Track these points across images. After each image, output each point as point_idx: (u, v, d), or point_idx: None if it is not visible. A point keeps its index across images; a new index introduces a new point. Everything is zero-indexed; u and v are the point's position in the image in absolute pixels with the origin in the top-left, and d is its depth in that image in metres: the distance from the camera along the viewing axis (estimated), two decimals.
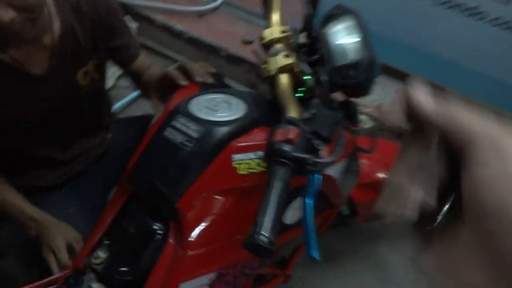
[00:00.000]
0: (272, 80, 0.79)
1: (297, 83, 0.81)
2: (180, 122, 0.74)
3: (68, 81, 1.00)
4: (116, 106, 2.13)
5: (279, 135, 0.62)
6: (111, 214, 0.81)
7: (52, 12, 0.91)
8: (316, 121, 0.67)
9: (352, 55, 0.76)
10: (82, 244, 0.94)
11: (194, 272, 0.73)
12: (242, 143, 0.72)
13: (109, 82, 2.16)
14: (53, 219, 1.02)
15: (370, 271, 1.70)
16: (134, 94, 2.19)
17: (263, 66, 0.81)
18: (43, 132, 1.08)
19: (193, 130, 0.72)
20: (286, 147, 0.60)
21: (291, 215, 0.83)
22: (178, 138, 0.72)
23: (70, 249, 0.97)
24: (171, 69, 0.94)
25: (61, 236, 0.98)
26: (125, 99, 2.18)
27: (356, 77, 0.76)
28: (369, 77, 0.77)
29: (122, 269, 0.76)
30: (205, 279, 0.75)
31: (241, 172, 0.71)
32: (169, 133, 0.74)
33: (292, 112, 0.68)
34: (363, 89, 0.79)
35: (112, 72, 2.10)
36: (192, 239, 0.71)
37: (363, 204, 1.35)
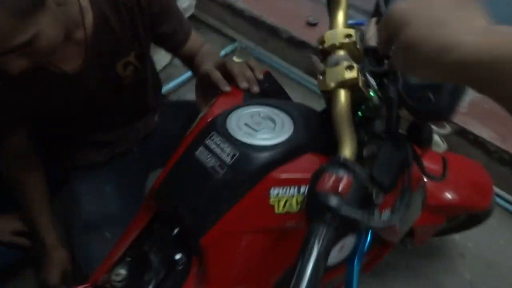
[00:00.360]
0: (329, 95, 0.65)
1: (358, 98, 0.66)
2: (215, 142, 0.63)
3: (107, 74, 0.94)
4: (170, 85, 2.08)
5: (326, 182, 0.49)
6: (136, 229, 0.73)
7: (85, 5, 0.83)
8: (377, 163, 0.53)
9: None
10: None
11: None
12: (284, 174, 0.60)
13: (164, 60, 2.10)
14: (58, 245, 1.09)
15: None
16: (189, 73, 2.12)
17: (319, 77, 0.67)
18: (86, 120, 1.05)
19: (227, 154, 0.61)
20: (334, 201, 0.47)
21: (336, 256, 0.70)
22: (210, 161, 0.62)
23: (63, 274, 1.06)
24: (214, 68, 0.82)
25: (57, 268, 1.07)
26: (179, 78, 2.12)
27: (436, 102, 0.60)
28: (453, 103, 0.61)
29: None
30: None
31: (278, 211, 0.59)
32: (201, 153, 0.63)
33: (347, 148, 0.54)
34: (442, 117, 0.63)
35: None
36: (216, 280, 0.61)
37: (423, 227, 1.18)
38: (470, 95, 1.84)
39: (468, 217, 1.32)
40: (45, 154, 1.08)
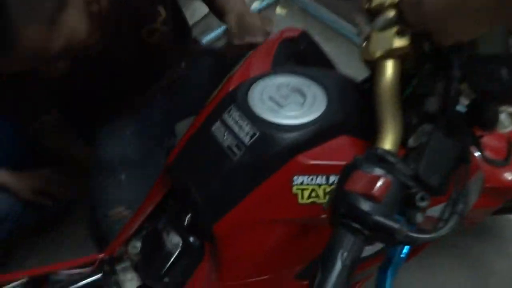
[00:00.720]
0: (372, 66, 0.54)
1: (408, 71, 0.54)
2: (233, 117, 0.54)
3: (131, 43, 0.89)
4: (207, 37, 1.98)
5: (359, 181, 0.39)
6: (151, 204, 0.69)
7: None
8: (426, 158, 0.43)
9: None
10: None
11: None
12: (311, 160, 0.51)
13: (201, 10, 1.99)
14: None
15: (467, 272, 1.43)
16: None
17: (363, 43, 0.55)
18: (112, 89, 1.00)
19: (246, 132, 0.52)
20: (366, 206, 0.38)
21: (367, 249, 0.62)
22: (226, 139, 0.54)
23: None
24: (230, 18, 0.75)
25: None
26: (217, 30, 2.01)
27: (509, 80, 0.47)
28: None
29: (154, 274, 0.65)
30: None
31: (302, 201, 0.51)
32: (217, 129, 0.55)
33: (389, 136, 0.44)
34: None
35: None
36: (229, 270, 0.55)
37: (477, 211, 1.06)
38: None
39: None
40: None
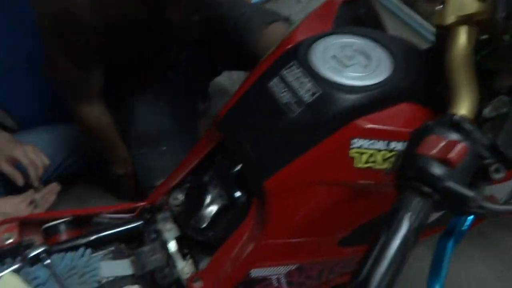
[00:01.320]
0: (444, 33, 0.51)
1: (484, 41, 0.51)
2: (293, 74, 0.53)
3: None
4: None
5: (433, 145, 0.38)
6: (197, 157, 0.69)
7: None
8: (505, 128, 0.41)
9: None
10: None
11: (270, 261, 0.59)
12: (372, 123, 0.49)
13: None
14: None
15: (489, 261, 1.40)
16: None
17: (437, 7, 0.52)
18: (146, 53, 1.01)
19: (307, 90, 0.51)
20: (440, 170, 0.36)
21: None
22: (285, 96, 0.53)
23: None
24: None
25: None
26: None
27: None
28: None
29: (195, 226, 0.66)
30: (283, 269, 0.61)
31: (359, 165, 0.50)
32: (275, 84, 0.54)
33: (465, 104, 0.42)
34: None
35: None
36: (274, 228, 0.55)
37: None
38: None
39: None
40: None
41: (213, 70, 1.27)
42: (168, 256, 0.68)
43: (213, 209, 0.64)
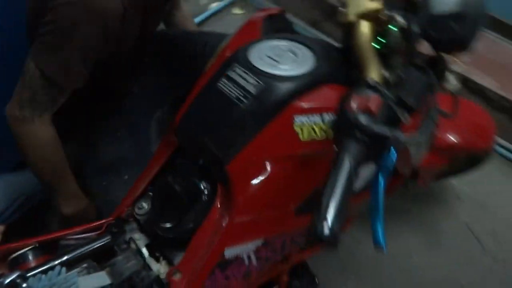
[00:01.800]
0: (349, 28, 0.65)
1: (378, 32, 0.66)
2: (237, 73, 0.63)
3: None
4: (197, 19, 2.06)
5: (357, 102, 0.50)
6: (157, 164, 0.75)
7: None
8: (402, 86, 0.54)
9: (457, 2, 0.60)
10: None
11: (240, 238, 0.67)
12: (307, 103, 0.61)
13: None
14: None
15: (417, 233, 1.60)
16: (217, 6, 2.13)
17: (340, 9, 0.66)
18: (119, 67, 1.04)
19: (251, 84, 0.62)
20: (365, 119, 0.49)
21: (357, 183, 0.73)
22: (233, 92, 0.62)
23: None
24: None
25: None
26: (206, 13, 2.10)
27: (458, 31, 0.61)
28: (474, 31, 0.61)
29: (165, 225, 0.71)
30: (251, 245, 0.69)
31: (303, 138, 0.61)
32: (223, 84, 0.64)
33: (373, 72, 0.56)
34: (462, 46, 0.64)
35: None
36: (241, 206, 0.64)
37: (427, 168, 1.22)
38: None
39: (469, 159, 1.36)
40: None
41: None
42: (143, 261, 0.72)
43: (180, 205, 0.70)
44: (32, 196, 1.18)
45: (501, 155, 1.83)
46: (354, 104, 0.50)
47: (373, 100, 0.49)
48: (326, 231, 0.44)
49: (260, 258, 0.71)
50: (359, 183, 0.74)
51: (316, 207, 0.46)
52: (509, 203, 1.71)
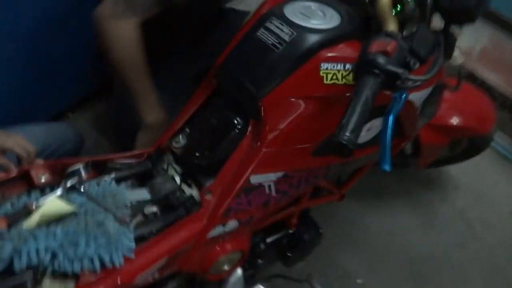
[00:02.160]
0: None
1: (396, 1, 0.78)
2: (274, 24, 0.75)
3: None
4: None
5: (376, 46, 0.62)
6: (195, 104, 0.87)
7: None
8: (415, 39, 0.66)
9: None
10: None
11: (265, 168, 0.79)
12: (332, 53, 0.73)
13: None
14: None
15: (414, 214, 1.72)
16: None
17: None
18: None
19: (286, 33, 0.73)
20: (381, 59, 0.60)
21: (365, 135, 0.85)
22: (270, 39, 0.74)
23: None
24: None
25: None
26: None
27: (466, 2, 0.72)
28: (481, 3, 0.73)
29: (199, 154, 0.83)
30: (273, 176, 0.81)
31: (326, 82, 0.73)
32: (261, 33, 0.76)
33: (391, 26, 0.67)
34: (470, 17, 0.75)
35: None
36: (269, 138, 0.75)
37: (429, 145, 1.33)
38: (481, 43, 1.96)
39: (469, 144, 1.47)
40: None
41: None
42: (178, 185, 0.84)
43: (214, 137, 0.82)
44: (63, 145, 1.29)
45: (499, 151, 1.94)
46: (373, 47, 0.61)
47: (390, 44, 0.61)
48: (345, 137, 0.56)
49: (279, 190, 0.83)
50: (367, 136, 0.86)
51: (339, 122, 0.58)
52: (502, 196, 1.82)
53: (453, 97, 1.27)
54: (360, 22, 0.80)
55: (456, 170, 1.83)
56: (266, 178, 0.80)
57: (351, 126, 0.57)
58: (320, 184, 1.01)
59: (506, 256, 1.65)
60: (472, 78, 1.85)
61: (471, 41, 1.89)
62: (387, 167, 0.64)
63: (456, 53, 1.17)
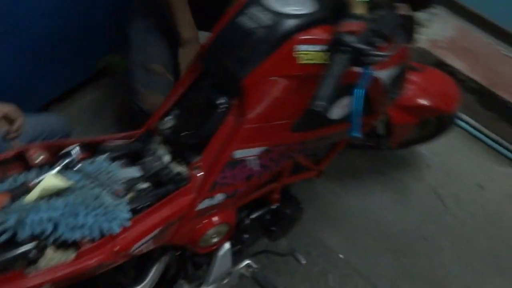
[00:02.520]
0: None
1: None
2: (255, 10, 0.82)
3: None
4: None
5: (345, 27, 0.69)
6: (183, 87, 0.93)
7: None
8: (381, 22, 0.74)
9: None
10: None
11: (248, 143, 0.85)
12: (306, 36, 0.80)
13: None
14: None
15: (388, 192, 1.83)
16: None
17: None
18: None
19: (264, 19, 0.80)
20: (350, 37, 0.68)
21: (337, 112, 0.92)
22: (250, 24, 0.81)
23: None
24: None
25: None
26: None
27: None
28: None
29: (187, 133, 0.89)
30: (256, 151, 0.87)
31: (302, 62, 0.80)
32: (242, 19, 0.82)
33: (358, 9, 0.75)
34: (426, 4, 0.83)
35: None
36: (251, 115, 0.82)
37: (400, 125, 1.43)
38: (450, 33, 2.08)
39: (437, 122, 1.57)
40: None
41: None
42: (166, 163, 0.90)
43: (200, 116, 0.88)
44: (53, 134, 1.34)
45: (466, 130, 2.06)
46: (342, 28, 0.69)
47: (356, 25, 0.68)
48: (320, 102, 0.64)
49: (261, 164, 0.90)
50: (341, 113, 0.94)
51: (315, 91, 0.65)
52: (471, 172, 1.94)
53: (420, 79, 1.36)
54: (333, 7, 0.87)
55: (427, 150, 1.94)
56: (250, 153, 0.87)
57: (322, 94, 0.64)
58: (299, 161, 1.09)
59: (475, 227, 1.77)
60: (441, 65, 1.97)
61: (441, 31, 2.01)
62: (356, 133, 0.72)
63: (421, 37, 1.26)
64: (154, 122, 0.95)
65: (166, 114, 0.95)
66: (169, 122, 0.95)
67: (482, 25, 2.07)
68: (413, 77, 1.33)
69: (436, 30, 2.03)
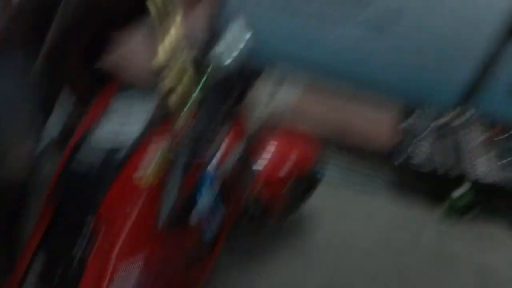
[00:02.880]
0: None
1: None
2: (84, 154, 0.92)
3: None
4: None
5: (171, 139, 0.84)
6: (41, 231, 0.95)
7: None
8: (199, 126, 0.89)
9: None
10: None
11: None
12: (138, 160, 0.92)
13: None
14: None
15: (287, 254, 1.86)
16: None
17: None
18: None
19: (94, 160, 0.91)
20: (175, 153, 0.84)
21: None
22: (82, 169, 0.91)
23: None
24: None
25: None
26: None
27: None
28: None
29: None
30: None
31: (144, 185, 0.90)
32: (74, 165, 0.92)
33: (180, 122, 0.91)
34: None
35: None
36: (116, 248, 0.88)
37: (271, 200, 1.55)
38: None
39: (304, 183, 1.70)
40: None
41: None
42: None
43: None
44: None
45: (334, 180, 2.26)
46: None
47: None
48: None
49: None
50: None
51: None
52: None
53: (275, 147, 1.52)
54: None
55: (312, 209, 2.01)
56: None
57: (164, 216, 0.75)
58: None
59: None
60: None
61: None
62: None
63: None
64: (24, 266, 0.94)
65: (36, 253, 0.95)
66: (37, 267, 0.95)
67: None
68: (268, 146, 1.49)
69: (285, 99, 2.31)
